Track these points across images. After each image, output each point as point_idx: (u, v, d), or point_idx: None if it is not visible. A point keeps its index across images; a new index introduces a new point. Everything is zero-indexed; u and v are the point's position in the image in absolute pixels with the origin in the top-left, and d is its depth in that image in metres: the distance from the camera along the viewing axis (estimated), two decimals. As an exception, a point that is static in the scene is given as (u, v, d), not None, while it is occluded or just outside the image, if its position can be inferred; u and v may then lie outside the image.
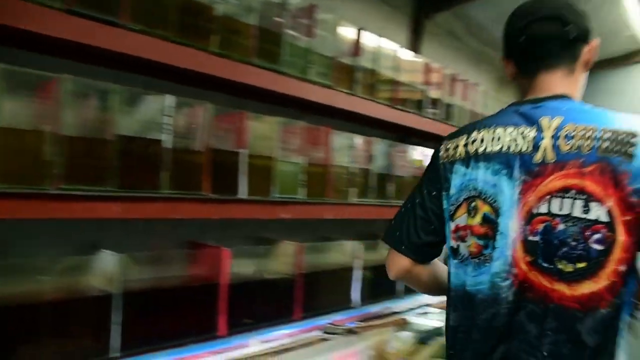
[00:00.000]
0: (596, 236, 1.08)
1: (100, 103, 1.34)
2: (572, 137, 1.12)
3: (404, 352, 2.35)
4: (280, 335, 2.00)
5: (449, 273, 1.31)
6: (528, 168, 1.16)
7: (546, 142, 1.15)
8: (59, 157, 1.25)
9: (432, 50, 3.25)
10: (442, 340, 2.51)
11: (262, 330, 1.90)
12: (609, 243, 1.08)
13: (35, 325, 1.34)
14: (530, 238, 1.14)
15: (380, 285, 2.46)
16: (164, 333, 1.60)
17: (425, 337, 2.49)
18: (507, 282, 1.16)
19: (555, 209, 1.12)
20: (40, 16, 1.18)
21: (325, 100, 1.97)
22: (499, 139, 1.21)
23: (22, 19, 1.16)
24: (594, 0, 3.12)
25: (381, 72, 2.28)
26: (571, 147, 1.12)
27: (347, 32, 2.11)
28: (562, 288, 1.11)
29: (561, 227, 1.11)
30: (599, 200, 1.08)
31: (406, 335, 2.45)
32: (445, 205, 1.30)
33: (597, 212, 1.08)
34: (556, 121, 1.16)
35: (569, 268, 1.10)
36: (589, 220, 1.09)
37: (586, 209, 1.09)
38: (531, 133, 1.17)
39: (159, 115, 1.46)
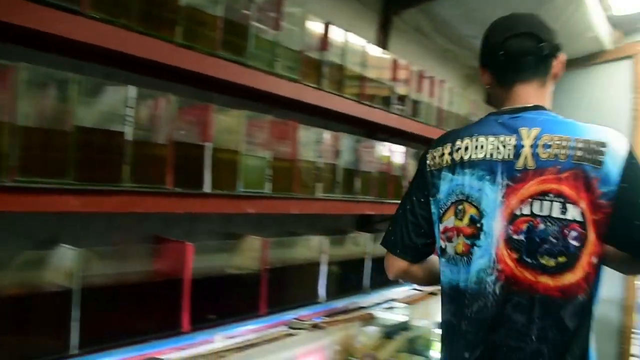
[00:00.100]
0: (573, 233, 1.23)
1: (58, 93, 1.30)
2: (550, 146, 1.26)
3: (370, 347, 2.36)
4: (245, 331, 1.99)
5: (440, 270, 1.44)
6: (510, 174, 1.29)
7: (526, 151, 1.28)
8: (14, 149, 1.20)
9: (400, 47, 3.27)
10: (407, 334, 2.54)
11: (227, 326, 1.88)
12: (583, 239, 1.23)
13: (-11, 322, 1.30)
14: (515, 237, 1.27)
15: (346, 281, 2.47)
16: (126, 329, 1.56)
17: (391, 332, 2.52)
18: (492, 277, 1.29)
19: (536, 210, 1.25)
20: (-5, 2, 1.14)
21: (292, 94, 1.95)
22: (482, 147, 1.34)
23: (-25, 4, 1.11)
24: (558, 3, 3.19)
25: (349, 67, 2.28)
26: (549, 155, 1.26)
27: (315, 27, 2.10)
28: (546, 280, 1.24)
29: (542, 226, 1.25)
30: (574, 202, 1.23)
31: (372, 329, 2.47)
32: (433, 210, 1.43)
33: (573, 212, 1.23)
34: (534, 132, 1.29)
35: (551, 262, 1.24)
36: (567, 219, 1.23)
37: (564, 210, 1.23)
38: (512, 142, 1.30)
39: (121, 106, 1.42)
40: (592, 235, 1.22)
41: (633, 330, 4.47)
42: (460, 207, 1.35)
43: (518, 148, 1.29)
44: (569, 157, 1.24)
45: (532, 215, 1.26)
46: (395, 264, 1.52)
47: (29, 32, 1.21)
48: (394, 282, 2.84)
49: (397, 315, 2.63)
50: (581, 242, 1.23)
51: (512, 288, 1.27)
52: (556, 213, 1.24)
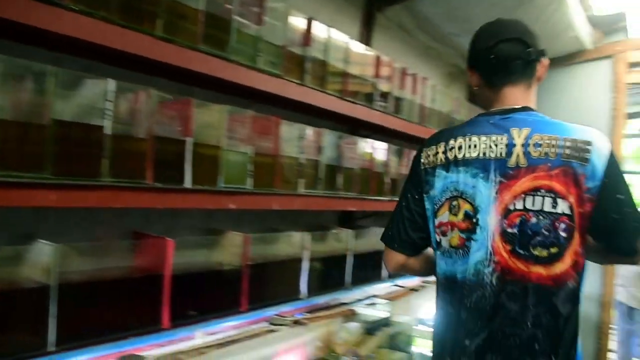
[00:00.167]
0: (562, 225, 1.34)
1: (36, 86, 1.28)
2: (541, 145, 1.36)
3: (351, 343, 2.37)
4: (226, 327, 1.98)
5: (436, 262, 1.53)
6: (503, 171, 1.38)
7: (518, 149, 1.37)
8: (-10, 142, 1.18)
9: (383, 44, 3.27)
10: (388, 330, 2.55)
11: (207, 322, 1.87)
12: (571, 230, 1.34)
13: (-36, 318, 1.27)
14: (509, 230, 1.36)
15: (328, 277, 2.47)
16: (105, 326, 1.55)
17: (372, 328, 2.52)
18: (489, 269, 1.38)
19: (529, 205, 1.35)
20: (-30, -8, 1.11)
21: (274, 89, 1.94)
22: (475, 146, 1.43)
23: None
24: (538, 2, 3.21)
25: (332, 63, 2.27)
26: (540, 154, 1.36)
27: (298, 22, 2.10)
28: (539, 270, 1.34)
29: (534, 220, 1.34)
30: (563, 197, 1.34)
31: (353, 326, 2.47)
32: (427, 206, 1.52)
33: (562, 206, 1.34)
34: (525, 132, 1.39)
35: (544, 253, 1.34)
36: (557, 213, 1.34)
37: (554, 204, 1.34)
38: (504, 141, 1.39)
39: (100, 100, 1.40)
40: (578, 227, 1.34)
41: (610, 326, 4.54)
42: (454, 203, 1.44)
43: (510, 147, 1.38)
44: (558, 155, 1.34)
45: (525, 209, 1.35)
46: (394, 258, 1.60)
47: (5, 22, 1.19)
48: (375, 279, 2.85)
49: (378, 312, 2.63)
50: (569, 233, 1.34)
51: (506, 278, 1.36)
52: (548, 207, 1.34)
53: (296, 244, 2.24)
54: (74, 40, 1.31)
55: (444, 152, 1.48)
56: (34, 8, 1.21)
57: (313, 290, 2.33)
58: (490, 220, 1.38)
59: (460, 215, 1.42)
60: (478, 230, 1.39)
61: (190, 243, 1.83)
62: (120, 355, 1.61)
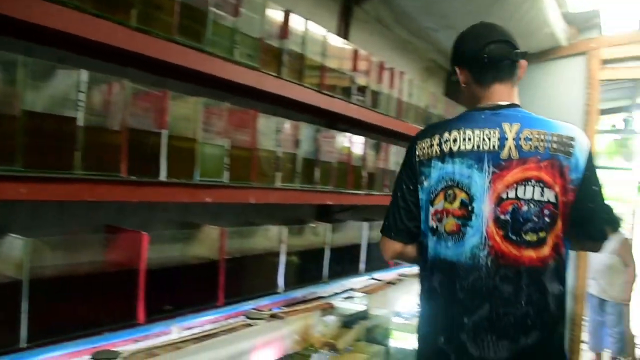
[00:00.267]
0: (547, 212, 1.49)
1: (6, 76, 1.24)
2: (531, 140, 1.51)
3: (329, 336, 2.37)
4: (202, 322, 1.97)
5: (426, 247, 1.60)
6: (496, 163, 1.50)
7: (510, 143, 1.51)
8: (-43, 133, 1.15)
9: (361, 37, 3.27)
10: (366, 323, 2.56)
11: (183, 317, 1.85)
12: (555, 217, 1.50)
13: None
14: (502, 217, 1.49)
15: (305, 270, 2.47)
16: (78, 322, 1.52)
17: (349, 321, 2.53)
18: (485, 252, 1.49)
19: (520, 194, 1.49)
20: None
21: (251, 82, 1.93)
22: (470, 139, 1.53)
23: None
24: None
25: (309, 56, 2.27)
26: (530, 147, 1.50)
27: (275, 15, 2.08)
28: (530, 253, 1.49)
29: (525, 208, 1.49)
30: (550, 187, 1.49)
31: (331, 319, 2.48)
32: (421, 196, 1.60)
33: (549, 195, 1.49)
34: (515, 127, 1.52)
35: (534, 238, 1.49)
36: (544, 201, 1.49)
37: (542, 193, 1.49)
38: (496, 135, 1.52)
39: (73, 91, 1.37)
40: (562, 214, 1.51)
41: (583, 317, 4.63)
42: (449, 192, 1.54)
43: (502, 140, 1.51)
44: (546, 149, 1.50)
45: (517, 198, 1.49)
46: (391, 246, 1.67)
47: (-27, 11, 1.16)
48: (353, 272, 2.86)
49: (355, 305, 2.65)
50: (553, 219, 1.50)
51: (500, 262, 1.49)
52: (537, 196, 1.49)
53: (273, 237, 2.23)
54: (44, 29, 1.28)
55: (439, 145, 1.57)
56: (4, -4, 1.18)
57: (290, 284, 2.33)
58: (485, 208, 1.50)
59: (456, 203, 1.53)
60: (473, 217, 1.51)
61: (165, 237, 1.81)
62: (94, 351, 1.59)
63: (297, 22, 2.18)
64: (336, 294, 2.74)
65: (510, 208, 1.49)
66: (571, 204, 1.51)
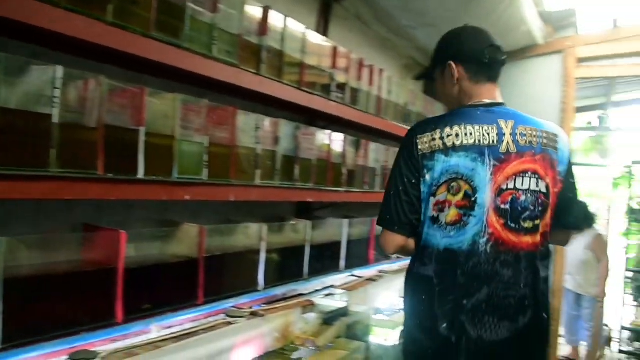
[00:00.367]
0: (540, 201, 1.65)
1: (-23, 72, 1.22)
2: (525, 135, 1.66)
3: (309, 333, 2.38)
4: (182, 321, 1.96)
5: (421, 237, 1.67)
6: (496, 156, 1.62)
7: (507, 138, 1.64)
8: None
9: (340, 35, 3.27)
10: (346, 320, 2.57)
11: (163, 315, 1.84)
12: (545, 206, 1.67)
13: None
14: (502, 206, 1.61)
15: (285, 268, 2.47)
16: (55, 322, 1.50)
17: (330, 318, 2.54)
18: (484, 239, 1.60)
19: (518, 185, 1.63)
20: None
21: (230, 79, 1.92)
22: (471, 134, 1.63)
23: None
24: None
25: (289, 53, 2.26)
26: (526, 142, 1.65)
27: (254, 11, 2.07)
28: (527, 239, 1.64)
29: (523, 197, 1.63)
30: (543, 178, 1.66)
31: (311, 316, 2.48)
32: (423, 189, 1.65)
33: (541, 186, 1.65)
34: (510, 123, 1.66)
35: (530, 225, 1.64)
36: (538, 191, 1.64)
37: (537, 184, 1.65)
38: (494, 130, 1.64)
39: (48, 87, 1.35)
40: (551, 203, 1.68)
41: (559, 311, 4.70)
42: (453, 184, 1.61)
43: (500, 136, 1.63)
44: (539, 144, 1.66)
45: (515, 189, 1.62)
46: (395, 240, 1.70)
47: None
48: (333, 269, 2.86)
49: (336, 302, 2.65)
50: (544, 208, 1.67)
51: (500, 248, 1.61)
52: (533, 187, 1.63)
53: (253, 235, 2.22)
54: (18, 24, 1.25)
55: (441, 139, 1.63)
56: (-25, -10, 1.16)
57: (270, 282, 2.32)
58: (487, 198, 1.60)
59: (460, 195, 1.61)
60: (476, 207, 1.60)
61: (144, 235, 1.79)
62: (72, 351, 1.57)
63: (276, 19, 2.17)
64: (316, 291, 2.75)
65: (509, 198, 1.62)
66: (558, 195, 1.69)
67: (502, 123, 1.66)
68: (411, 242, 1.71)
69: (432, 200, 1.64)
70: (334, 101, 2.62)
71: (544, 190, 1.66)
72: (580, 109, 6.90)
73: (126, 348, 1.69)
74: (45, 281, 1.48)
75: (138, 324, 1.75)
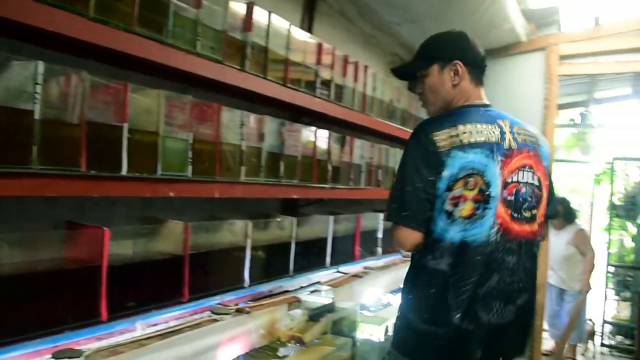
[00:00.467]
0: (536, 193, 1.82)
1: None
2: (520, 134, 1.81)
3: (295, 330, 2.37)
4: (167, 318, 1.94)
5: (439, 230, 1.71)
6: (502, 152, 1.74)
7: (508, 136, 1.78)
8: None
9: (324, 31, 3.27)
10: (332, 316, 2.57)
11: (148, 313, 1.82)
12: (539, 197, 1.84)
13: None
14: (508, 198, 1.73)
15: (271, 265, 2.46)
16: (38, 320, 1.48)
17: (316, 314, 2.54)
18: (495, 229, 1.71)
19: (520, 179, 1.77)
20: None
21: (214, 75, 1.91)
22: (481, 132, 1.73)
23: None
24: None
25: (273, 49, 2.25)
26: (522, 140, 1.81)
27: (238, 7, 2.06)
28: (527, 228, 1.79)
29: (523, 190, 1.78)
30: (536, 172, 1.82)
31: (297, 313, 2.48)
32: (439, 185, 1.69)
33: (536, 179, 1.82)
34: (507, 123, 1.81)
35: (529, 215, 1.80)
36: (534, 184, 1.81)
37: (533, 178, 1.81)
38: (497, 129, 1.77)
39: (29, 83, 1.33)
40: (544, 195, 1.86)
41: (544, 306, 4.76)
42: (470, 179, 1.68)
43: (502, 134, 1.76)
44: (530, 142, 1.83)
45: (517, 182, 1.76)
46: (413, 236, 1.73)
47: None
48: (319, 266, 2.86)
49: (322, 298, 2.65)
50: (539, 200, 1.84)
51: (506, 237, 1.73)
52: (530, 180, 1.80)
53: (238, 232, 2.22)
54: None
55: (457, 136, 1.71)
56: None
57: (256, 279, 2.32)
58: (497, 192, 1.70)
59: (476, 190, 1.69)
60: (490, 201, 1.70)
61: (128, 233, 1.78)
62: (55, 350, 1.55)
63: (260, 15, 2.17)
64: (302, 287, 2.74)
65: (514, 190, 1.75)
66: (547, 188, 1.87)
67: (500, 122, 1.79)
68: (423, 239, 1.75)
69: (448, 195, 1.68)
70: (319, 98, 2.63)
71: (537, 183, 1.82)
72: (562, 106, 6.99)
73: (111, 346, 1.67)
74: (27, 280, 1.46)
75: (123, 321, 1.74)
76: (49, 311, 1.51)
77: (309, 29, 3.09)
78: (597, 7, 4.18)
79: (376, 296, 3.28)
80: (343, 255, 3.11)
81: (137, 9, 1.59)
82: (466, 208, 1.69)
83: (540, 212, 1.84)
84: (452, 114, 1.81)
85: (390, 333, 2.77)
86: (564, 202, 5.45)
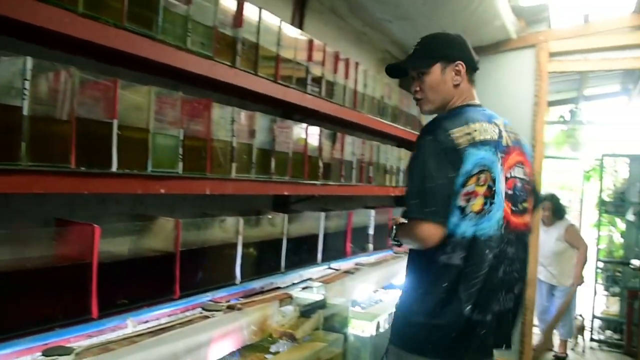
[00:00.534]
0: (525, 187, 1.93)
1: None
2: (511, 132, 1.93)
3: (287, 326, 2.38)
4: (159, 315, 1.94)
5: (452, 226, 1.76)
6: (502, 150, 1.84)
7: (504, 134, 1.89)
8: None
9: (315, 28, 3.27)
10: (324, 312, 2.58)
11: (139, 310, 1.82)
12: (528, 191, 1.95)
13: None
14: (508, 192, 1.85)
15: (262, 261, 2.46)
16: (29, 318, 1.47)
17: (307, 311, 2.54)
18: (502, 222, 1.81)
19: (515, 174, 1.89)
20: None
21: (204, 71, 1.90)
22: (486, 130, 1.83)
23: None
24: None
25: (264, 46, 2.25)
26: (513, 138, 1.93)
27: (229, 3, 2.05)
28: (522, 220, 1.90)
29: (519, 184, 1.90)
30: (524, 168, 1.95)
31: (289, 309, 2.48)
32: (456, 181, 1.76)
33: (526, 174, 1.95)
34: (501, 122, 1.92)
35: (522, 207, 1.91)
36: (525, 179, 1.93)
37: (524, 173, 1.93)
38: (496, 128, 1.87)
39: (17, 79, 1.32)
40: (530, 188, 1.96)
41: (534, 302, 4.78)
42: (481, 175, 1.76)
43: (499, 132, 1.87)
44: (518, 140, 1.95)
45: (513, 177, 1.88)
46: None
47: None
48: (310, 262, 2.86)
49: (313, 294, 2.66)
50: (528, 193, 1.95)
51: (508, 229, 1.83)
52: (521, 175, 1.92)
53: (230, 229, 2.21)
54: (-16, 14, 1.23)
55: (470, 134, 1.79)
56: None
57: (247, 275, 2.32)
58: (501, 187, 1.81)
59: (485, 185, 1.77)
60: (496, 196, 1.79)
61: (119, 230, 1.77)
62: (46, 348, 1.54)
63: (251, 11, 2.16)
64: (294, 284, 2.75)
65: (512, 185, 1.86)
66: (531, 182, 1.99)
67: (495, 121, 1.89)
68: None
69: (462, 191, 1.75)
70: (310, 94, 2.62)
71: (527, 178, 1.94)
72: (552, 103, 7.03)
73: (102, 343, 1.66)
74: (17, 277, 1.45)
75: (114, 319, 1.74)
76: (39, 309, 1.50)
77: (299, 25, 3.08)
78: (587, 5, 4.20)
79: (367, 292, 3.29)
80: (334, 251, 3.11)
81: (127, 4, 1.58)
82: (477, 203, 1.76)
83: (529, 204, 1.95)
84: (459, 112, 1.88)
85: (382, 329, 2.78)
86: (554, 198, 5.49)
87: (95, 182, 1.53)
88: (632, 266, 5.79)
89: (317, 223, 2.90)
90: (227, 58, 2.03)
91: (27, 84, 1.32)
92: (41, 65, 1.37)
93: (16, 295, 1.45)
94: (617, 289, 6.61)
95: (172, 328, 1.87)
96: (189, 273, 1.97)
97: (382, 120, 3.60)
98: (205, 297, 2.16)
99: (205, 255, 2.11)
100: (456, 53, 1.94)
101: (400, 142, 4.23)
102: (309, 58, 2.62)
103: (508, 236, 1.83)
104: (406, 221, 1.87)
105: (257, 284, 2.49)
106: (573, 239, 5.42)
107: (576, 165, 8.94)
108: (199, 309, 2.09)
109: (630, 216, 6.31)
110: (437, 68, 1.92)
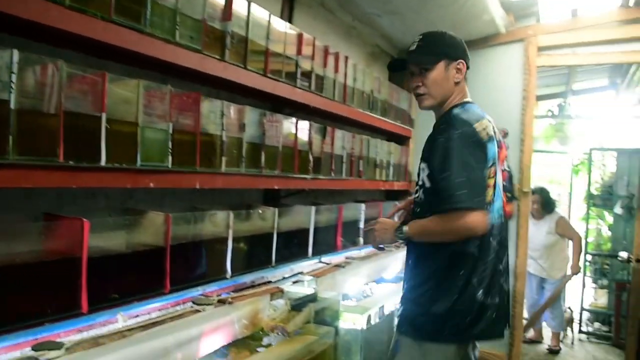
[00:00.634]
0: (507, 177, 2.11)
1: None
2: (496, 129, 2.03)
3: (278, 320, 2.38)
4: (149, 309, 1.94)
5: None
6: (498, 144, 1.99)
7: (496, 130, 2.02)
8: None
9: (305, 22, 3.26)
10: (315, 306, 2.58)
11: (129, 305, 1.82)
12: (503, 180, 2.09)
13: None
14: (504, 183, 2.03)
15: (253, 255, 2.46)
16: (17, 313, 1.46)
17: (299, 304, 2.54)
18: (501, 212, 2.00)
19: (504, 167, 2.08)
20: None
21: (193, 65, 1.90)
22: (489, 126, 1.96)
23: None
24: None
25: (253, 39, 2.24)
26: (499, 134, 2.05)
27: (218, -4, 2.05)
28: (508, 208, 2.07)
29: (507, 176, 2.08)
30: (504, 161, 2.10)
31: (280, 303, 2.48)
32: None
33: (508, 166, 2.15)
34: (491, 118, 2.02)
35: (509, 196, 2.09)
36: (508, 170, 2.13)
37: (504, 165, 2.10)
38: (490, 124, 1.98)
39: (4, 72, 1.31)
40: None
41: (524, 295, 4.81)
42: (492, 167, 1.92)
43: (493, 128, 1.99)
44: (501, 136, 2.09)
45: (504, 169, 2.06)
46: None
47: None
48: (301, 256, 2.87)
49: (304, 288, 2.66)
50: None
51: (504, 217, 2.03)
52: (506, 168, 2.12)
53: (220, 223, 2.21)
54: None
55: (485, 129, 1.92)
56: None
57: (238, 269, 2.32)
58: (500, 179, 1.99)
59: (494, 177, 1.93)
60: (497, 187, 1.95)
61: (108, 224, 1.76)
62: (36, 343, 1.54)
63: (240, 5, 2.15)
64: (285, 278, 2.75)
65: (506, 177, 2.06)
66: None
67: (489, 117, 2.02)
68: None
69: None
70: (300, 88, 2.62)
71: (509, 170, 2.15)
72: (541, 97, 7.07)
73: (92, 338, 1.66)
74: (6, 272, 1.44)
75: (104, 313, 1.73)
76: (28, 304, 1.49)
77: (289, 19, 3.07)
78: (575, -1, 4.22)
79: (358, 286, 3.30)
80: (325, 245, 3.12)
81: (115, -3, 1.57)
82: (489, 194, 1.91)
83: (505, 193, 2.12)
84: (469, 108, 2.00)
85: (373, 322, 2.80)
86: (543, 192, 5.53)
87: (84, 176, 1.52)
88: (619, 258, 5.84)
89: (307, 217, 2.90)
90: (216, 51, 2.02)
91: (14, 77, 1.32)
92: (28, 59, 1.36)
93: (5, 291, 1.44)
94: (605, 282, 6.67)
95: (162, 322, 1.86)
96: (179, 267, 1.96)
97: (372, 114, 3.61)
98: (196, 291, 2.15)
99: (195, 249, 2.10)
100: (459, 52, 2.04)
101: (390, 136, 4.24)
102: (299, 52, 2.61)
103: (503, 224, 2.02)
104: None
105: (248, 278, 2.49)
106: (565, 230, 5.46)
107: (565, 159, 9.00)
108: (190, 303, 2.09)
109: (618, 209, 6.36)
110: (441, 65, 2.00)
